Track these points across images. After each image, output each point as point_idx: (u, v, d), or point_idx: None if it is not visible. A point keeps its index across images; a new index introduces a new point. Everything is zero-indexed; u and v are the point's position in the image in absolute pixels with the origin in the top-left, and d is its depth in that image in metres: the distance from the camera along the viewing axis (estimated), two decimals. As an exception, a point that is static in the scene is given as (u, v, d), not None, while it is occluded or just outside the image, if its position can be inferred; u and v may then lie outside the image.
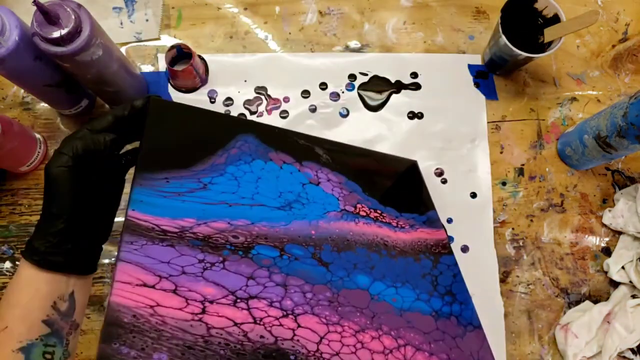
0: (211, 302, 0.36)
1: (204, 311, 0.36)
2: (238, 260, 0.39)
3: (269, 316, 0.38)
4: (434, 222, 0.56)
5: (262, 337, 0.37)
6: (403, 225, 0.53)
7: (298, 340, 0.38)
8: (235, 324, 0.36)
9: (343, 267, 0.44)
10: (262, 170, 0.46)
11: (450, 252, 0.54)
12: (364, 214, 0.50)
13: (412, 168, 0.59)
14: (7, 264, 0.57)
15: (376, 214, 0.51)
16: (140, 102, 0.42)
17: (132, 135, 0.44)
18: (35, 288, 0.38)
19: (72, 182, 0.38)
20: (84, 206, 0.39)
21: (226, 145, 0.46)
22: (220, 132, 0.46)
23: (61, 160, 0.38)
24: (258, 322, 0.37)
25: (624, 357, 0.53)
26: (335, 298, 0.42)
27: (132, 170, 0.43)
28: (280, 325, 0.38)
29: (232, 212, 0.42)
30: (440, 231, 0.55)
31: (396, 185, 0.57)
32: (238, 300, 0.37)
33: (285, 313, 0.39)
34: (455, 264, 0.54)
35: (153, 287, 0.35)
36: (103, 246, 0.43)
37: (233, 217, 0.42)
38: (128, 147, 0.45)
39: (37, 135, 0.59)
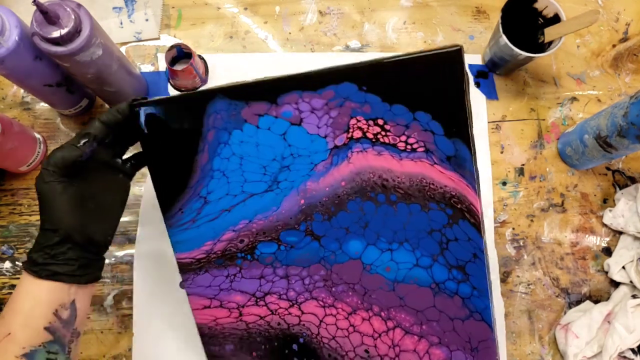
0: (242, 306, 0.47)
1: (240, 314, 0.47)
2: (249, 265, 0.46)
3: (280, 307, 0.46)
4: (462, 166, 0.38)
5: (279, 324, 0.47)
6: (414, 146, 0.39)
7: (304, 325, 0.46)
8: (261, 318, 0.47)
9: (335, 238, 0.43)
10: (241, 144, 0.43)
11: (479, 229, 0.39)
12: (359, 135, 0.40)
13: (450, 54, 0.36)
14: (7, 264, 0.57)
15: (376, 128, 0.39)
16: (125, 104, 0.42)
17: (129, 138, 0.44)
18: (35, 296, 0.38)
19: (62, 195, 0.38)
20: (79, 217, 0.39)
21: (202, 132, 0.43)
22: (193, 115, 0.43)
23: (46, 175, 0.38)
24: (274, 313, 0.46)
25: (624, 357, 0.53)
26: (329, 276, 0.44)
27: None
28: (289, 314, 0.46)
29: (232, 217, 0.45)
30: (471, 191, 0.39)
31: (414, 69, 0.37)
32: (258, 300, 0.46)
33: (291, 303, 0.46)
34: (482, 250, 0.40)
35: (209, 307, 0.48)
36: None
37: (234, 223, 0.45)
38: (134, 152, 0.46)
39: (37, 135, 0.59)
